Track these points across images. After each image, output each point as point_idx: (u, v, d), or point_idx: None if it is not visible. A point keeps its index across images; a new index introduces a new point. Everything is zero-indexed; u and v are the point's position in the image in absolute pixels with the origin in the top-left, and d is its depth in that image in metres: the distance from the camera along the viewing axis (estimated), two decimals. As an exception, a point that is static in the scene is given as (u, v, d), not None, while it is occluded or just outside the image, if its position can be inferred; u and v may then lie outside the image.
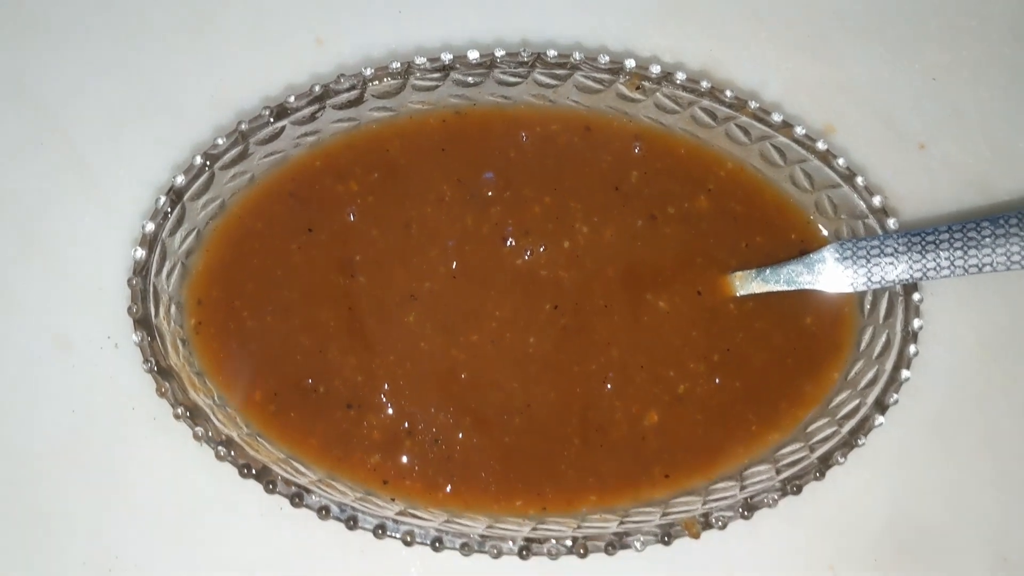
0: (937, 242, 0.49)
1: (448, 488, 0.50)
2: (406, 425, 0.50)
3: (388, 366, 0.50)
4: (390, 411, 0.50)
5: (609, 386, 0.50)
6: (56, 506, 0.51)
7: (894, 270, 0.50)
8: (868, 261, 0.50)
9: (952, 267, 0.49)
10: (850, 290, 0.50)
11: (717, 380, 0.50)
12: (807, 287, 0.51)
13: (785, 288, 0.51)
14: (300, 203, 0.51)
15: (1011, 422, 0.52)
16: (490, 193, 0.51)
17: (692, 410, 0.50)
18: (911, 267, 0.49)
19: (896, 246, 0.50)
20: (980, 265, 0.49)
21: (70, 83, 0.53)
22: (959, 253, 0.49)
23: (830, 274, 0.50)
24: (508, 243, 0.51)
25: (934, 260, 0.49)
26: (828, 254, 0.51)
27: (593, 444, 0.50)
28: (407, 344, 0.50)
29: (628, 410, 0.50)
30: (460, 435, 0.50)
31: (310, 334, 0.50)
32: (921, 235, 0.50)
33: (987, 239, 0.49)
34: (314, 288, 0.51)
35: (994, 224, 0.49)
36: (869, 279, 0.50)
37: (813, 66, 0.54)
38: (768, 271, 0.51)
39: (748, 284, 0.51)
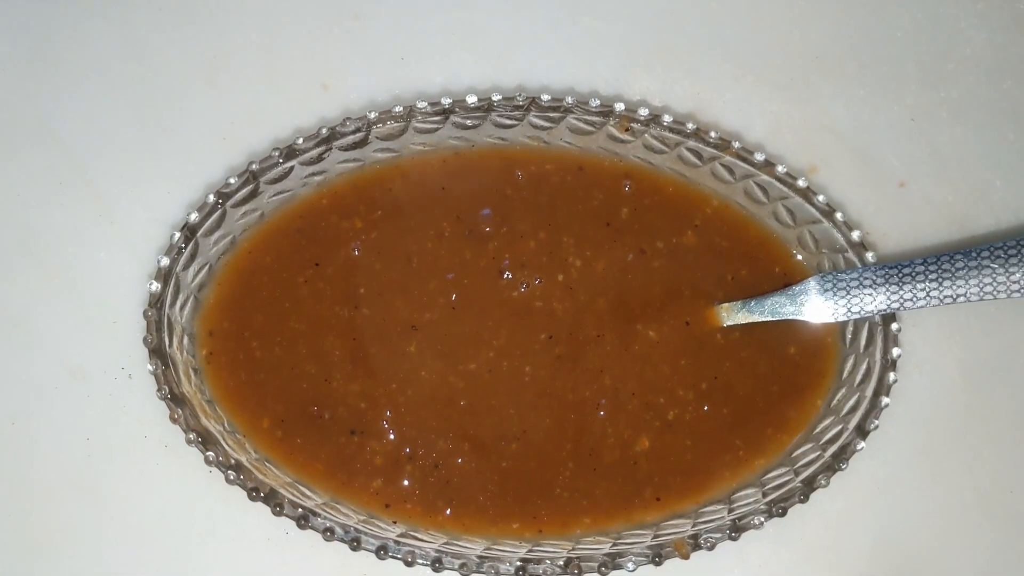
0: (913, 274, 0.51)
1: (448, 511, 0.51)
2: (407, 450, 0.51)
3: (390, 394, 0.51)
4: (392, 437, 0.51)
5: (602, 412, 0.51)
6: (69, 531, 0.52)
7: (873, 301, 0.51)
8: (848, 293, 0.51)
9: (928, 298, 0.51)
10: (831, 320, 0.52)
11: (705, 407, 0.51)
12: (790, 318, 0.52)
13: (769, 319, 0.52)
14: (307, 239, 0.52)
15: (989, 447, 0.53)
16: (488, 229, 0.52)
17: (682, 436, 0.51)
18: (889, 298, 0.51)
19: (874, 278, 0.51)
20: (954, 296, 0.51)
21: (90, 124, 0.54)
22: (934, 285, 0.51)
23: (812, 305, 0.52)
24: (505, 276, 0.52)
25: (911, 291, 0.51)
26: (810, 286, 0.52)
27: (587, 468, 0.51)
28: (408, 372, 0.51)
29: (620, 435, 0.51)
30: (459, 460, 0.51)
31: (316, 363, 0.51)
32: (898, 268, 0.51)
33: (960, 271, 0.51)
34: (320, 319, 0.51)
35: (967, 257, 0.51)
36: (849, 310, 0.51)
37: (796, 108, 0.55)
38: (753, 303, 0.52)
39: (734, 315, 0.52)
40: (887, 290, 0.51)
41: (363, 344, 0.51)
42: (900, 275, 0.51)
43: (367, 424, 0.51)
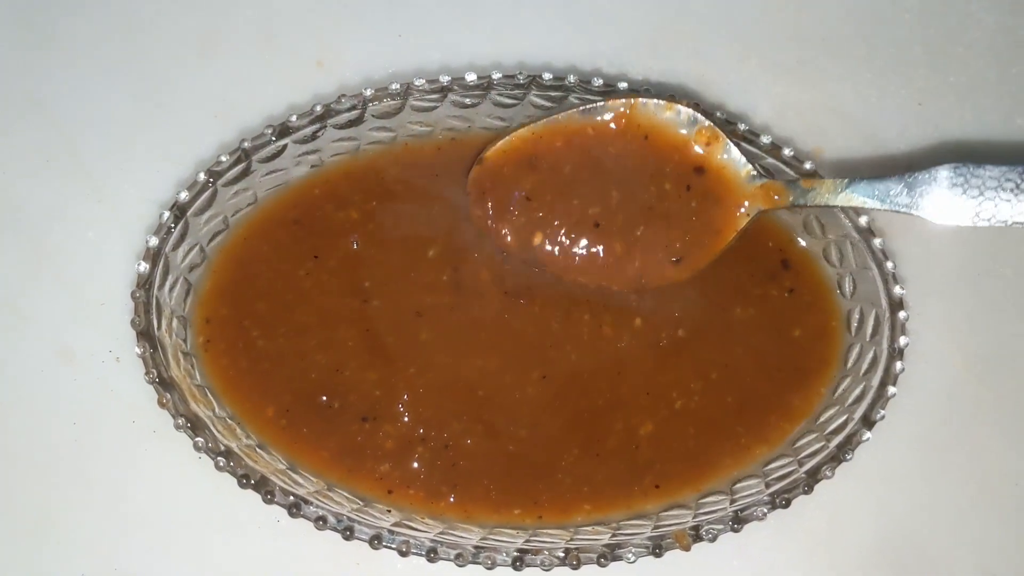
0: None
1: (451, 498, 0.50)
2: (421, 431, 0.50)
3: (409, 378, 0.50)
4: (407, 419, 0.50)
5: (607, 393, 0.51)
6: (56, 517, 0.51)
7: (1011, 209, 0.43)
8: (981, 193, 0.44)
9: None
10: (954, 224, 0.44)
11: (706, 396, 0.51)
12: (903, 211, 0.45)
13: (877, 206, 0.45)
14: (304, 230, 0.51)
15: (995, 439, 0.53)
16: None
17: (684, 423, 0.51)
18: None
19: (1020, 182, 0.44)
20: None
21: (79, 99, 0.54)
22: None
23: (935, 201, 0.44)
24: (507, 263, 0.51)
25: None
26: (940, 175, 0.44)
27: (590, 453, 0.50)
28: (426, 357, 0.50)
29: (628, 420, 0.50)
30: (469, 441, 0.50)
31: (327, 354, 0.50)
32: None
33: None
34: (329, 311, 0.51)
35: None
36: (978, 215, 0.44)
37: (802, 90, 0.55)
38: (863, 183, 0.45)
39: (836, 193, 0.45)
40: None
41: (378, 334, 0.51)
42: None
43: (381, 409, 0.50)
